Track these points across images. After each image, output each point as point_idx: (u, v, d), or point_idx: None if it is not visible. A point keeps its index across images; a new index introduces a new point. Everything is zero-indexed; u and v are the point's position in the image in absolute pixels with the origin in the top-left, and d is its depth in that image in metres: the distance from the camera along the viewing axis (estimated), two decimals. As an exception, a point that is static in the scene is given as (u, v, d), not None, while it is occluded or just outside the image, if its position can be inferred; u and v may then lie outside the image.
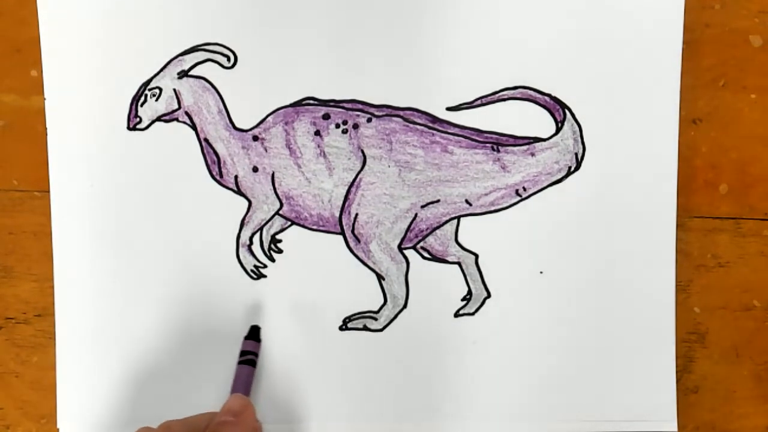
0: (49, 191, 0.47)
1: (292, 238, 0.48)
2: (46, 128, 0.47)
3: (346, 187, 0.47)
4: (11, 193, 0.48)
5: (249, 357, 0.46)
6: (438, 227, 0.47)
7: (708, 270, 0.48)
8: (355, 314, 0.48)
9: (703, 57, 0.47)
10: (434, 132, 0.47)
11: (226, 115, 0.47)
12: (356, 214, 0.47)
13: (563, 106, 0.47)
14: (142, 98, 0.47)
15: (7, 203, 0.48)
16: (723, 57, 0.47)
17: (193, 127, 0.47)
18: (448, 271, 0.48)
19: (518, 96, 0.47)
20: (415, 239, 0.48)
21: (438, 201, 0.47)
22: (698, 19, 0.47)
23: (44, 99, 0.47)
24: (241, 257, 0.47)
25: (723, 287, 0.48)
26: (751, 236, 0.48)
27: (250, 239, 0.47)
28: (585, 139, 0.47)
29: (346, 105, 0.47)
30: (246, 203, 0.47)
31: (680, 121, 0.47)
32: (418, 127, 0.47)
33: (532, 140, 0.47)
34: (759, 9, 0.47)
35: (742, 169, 0.48)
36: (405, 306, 0.48)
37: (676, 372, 0.47)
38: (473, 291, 0.48)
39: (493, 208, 0.47)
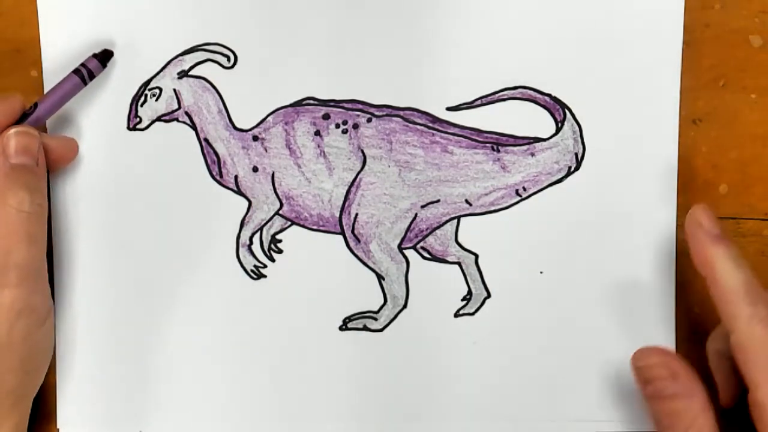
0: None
1: (292, 238, 0.48)
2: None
3: (346, 187, 0.47)
4: None
5: (83, 70, 0.45)
6: (438, 227, 0.47)
7: (708, 270, 0.48)
8: (355, 314, 0.48)
9: (703, 57, 0.47)
10: (434, 132, 0.47)
11: (226, 115, 0.47)
12: (356, 214, 0.47)
13: (563, 106, 0.47)
14: (142, 98, 0.47)
15: None
16: (723, 57, 0.47)
17: (193, 127, 0.47)
18: (448, 271, 0.48)
19: (518, 96, 0.47)
20: (415, 239, 0.48)
21: (438, 201, 0.47)
22: (698, 19, 0.47)
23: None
24: (241, 257, 0.47)
25: (723, 287, 0.48)
26: (751, 236, 0.48)
27: (250, 239, 0.47)
28: (585, 139, 0.47)
29: (346, 105, 0.47)
30: (246, 203, 0.47)
31: (680, 121, 0.47)
32: (418, 127, 0.47)
33: (532, 140, 0.47)
34: (759, 9, 0.47)
35: (742, 169, 0.48)
36: (405, 306, 0.48)
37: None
38: (473, 291, 0.48)
39: (493, 208, 0.47)
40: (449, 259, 0.48)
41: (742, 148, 0.48)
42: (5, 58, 0.48)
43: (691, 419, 0.40)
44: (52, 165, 0.45)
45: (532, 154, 0.47)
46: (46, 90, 0.47)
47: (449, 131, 0.47)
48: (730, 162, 0.48)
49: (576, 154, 0.47)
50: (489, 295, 0.48)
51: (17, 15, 0.47)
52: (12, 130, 0.43)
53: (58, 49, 0.47)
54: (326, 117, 0.47)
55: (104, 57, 0.46)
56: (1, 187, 0.41)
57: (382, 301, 0.48)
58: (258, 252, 0.48)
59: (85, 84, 0.45)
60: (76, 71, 0.45)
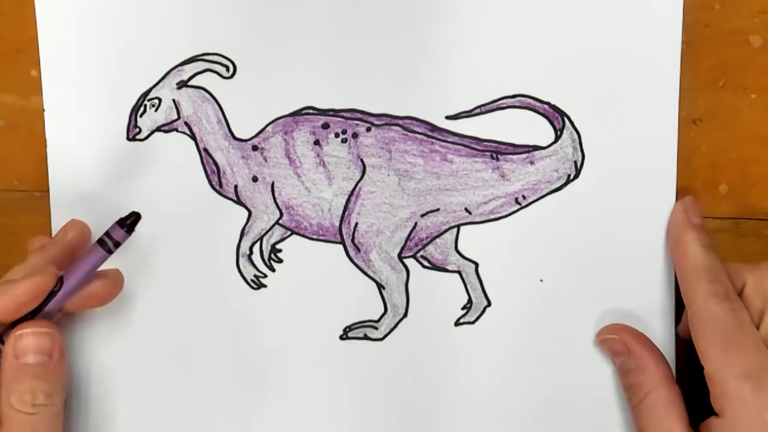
0: (48, 191, 0.47)
1: (293, 247, 0.48)
2: (45, 128, 0.47)
3: (346, 197, 0.47)
4: (11, 193, 0.48)
5: (108, 241, 0.43)
6: (438, 236, 0.47)
7: (708, 270, 0.48)
8: (355, 323, 0.48)
9: (703, 57, 0.47)
10: (433, 140, 0.47)
11: (225, 125, 0.47)
12: (356, 223, 0.47)
13: (562, 114, 0.47)
14: (142, 109, 0.47)
15: (7, 203, 0.48)
16: (723, 57, 0.47)
17: (193, 137, 0.47)
18: (448, 279, 0.48)
19: (517, 104, 0.47)
20: (415, 248, 0.48)
21: (438, 210, 0.47)
22: (698, 19, 0.47)
23: (43, 110, 0.47)
24: (241, 267, 0.47)
25: (723, 287, 0.48)
26: (751, 236, 0.48)
27: (251, 249, 0.47)
28: (584, 147, 0.47)
29: (345, 114, 0.47)
30: (246, 213, 0.47)
31: (680, 121, 0.47)
32: (418, 135, 0.47)
33: (531, 148, 0.47)
34: (759, 9, 0.47)
35: (742, 169, 0.48)
36: (405, 315, 0.48)
37: (676, 373, 0.47)
38: (473, 300, 0.48)
39: (492, 217, 0.47)
40: (449, 267, 0.48)
41: (742, 148, 0.48)
42: (5, 58, 0.47)
43: (644, 394, 0.43)
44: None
45: (532, 163, 0.47)
46: (45, 101, 0.47)
47: (448, 140, 0.47)
48: (730, 162, 0.48)
49: (575, 162, 0.47)
50: (489, 304, 0.47)
51: (17, 15, 0.47)
52: (27, 330, 0.41)
53: (57, 61, 0.47)
54: (325, 126, 0.47)
55: (132, 223, 0.43)
56: (8, 384, 0.40)
57: (382, 310, 0.48)
58: (258, 262, 0.48)
59: (111, 253, 0.43)
60: (101, 242, 0.43)
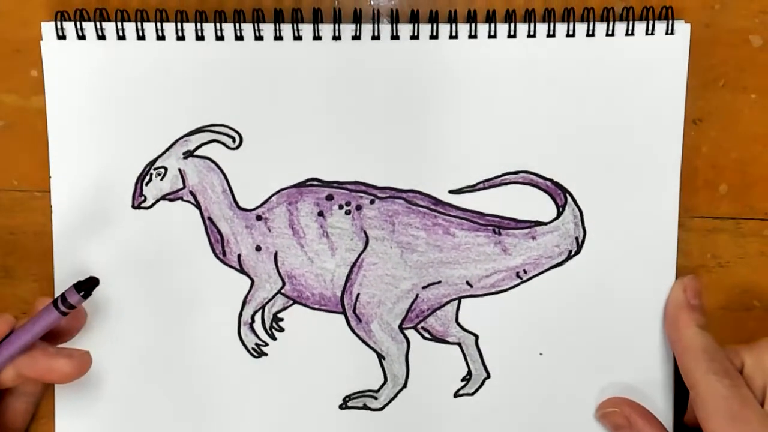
0: (49, 191, 0.47)
1: (294, 316, 0.48)
2: (45, 128, 0.47)
3: (348, 268, 0.47)
4: (11, 193, 0.48)
5: (62, 304, 0.41)
6: (439, 308, 0.48)
7: (708, 270, 0.48)
8: (355, 393, 0.48)
9: (703, 57, 0.47)
10: (436, 214, 0.47)
11: (230, 194, 0.47)
12: (358, 294, 0.47)
13: (564, 191, 0.47)
14: (148, 177, 0.47)
15: (7, 203, 0.48)
16: (723, 57, 0.47)
17: (198, 206, 0.47)
18: (448, 351, 0.48)
19: (520, 180, 0.47)
20: (416, 319, 0.48)
21: (439, 282, 0.47)
22: (698, 19, 0.47)
23: (50, 177, 0.47)
24: (242, 335, 0.48)
25: (723, 287, 0.48)
26: (751, 236, 0.48)
27: (252, 317, 0.48)
28: (586, 224, 0.47)
29: (349, 186, 0.47)
30: (248, 282, 0.48)
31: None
32: (421, 209, 0.47)
33: (533, 224, 0.47)
34: (759, 9, 0.47)
35: (742, 169, 0.48)
36: (405, 385, 0.48)
37: (674, 378, 0.47)
38: (473, 371, 0.48)
39: (493, 290, 0.48)
40: (449, 339, 0.48)
41: (742, 148, 0.48)
42: (5, 58, 0.47)
43: None
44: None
45: (533, 238, 0.47)
46: (51, 169, 0.47)
47: (451, 214, 0.47)
48: (730, 162, 0.48)
49: (576, 239, 0.47)
50: (489, 376, 0.48)
51: (17, 15, 0.47)
52: None
53: (65, 129, 0.47)
54: (329, 198, 0.47)
55: (89, 288, 0.42)
56: None
57: (382, 380, 0.48)
58: (260, 330, 0.48)
59: (65, 315, 0.42)
60: (55, 303, 0.42)
